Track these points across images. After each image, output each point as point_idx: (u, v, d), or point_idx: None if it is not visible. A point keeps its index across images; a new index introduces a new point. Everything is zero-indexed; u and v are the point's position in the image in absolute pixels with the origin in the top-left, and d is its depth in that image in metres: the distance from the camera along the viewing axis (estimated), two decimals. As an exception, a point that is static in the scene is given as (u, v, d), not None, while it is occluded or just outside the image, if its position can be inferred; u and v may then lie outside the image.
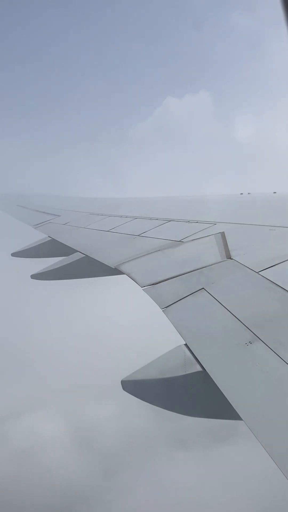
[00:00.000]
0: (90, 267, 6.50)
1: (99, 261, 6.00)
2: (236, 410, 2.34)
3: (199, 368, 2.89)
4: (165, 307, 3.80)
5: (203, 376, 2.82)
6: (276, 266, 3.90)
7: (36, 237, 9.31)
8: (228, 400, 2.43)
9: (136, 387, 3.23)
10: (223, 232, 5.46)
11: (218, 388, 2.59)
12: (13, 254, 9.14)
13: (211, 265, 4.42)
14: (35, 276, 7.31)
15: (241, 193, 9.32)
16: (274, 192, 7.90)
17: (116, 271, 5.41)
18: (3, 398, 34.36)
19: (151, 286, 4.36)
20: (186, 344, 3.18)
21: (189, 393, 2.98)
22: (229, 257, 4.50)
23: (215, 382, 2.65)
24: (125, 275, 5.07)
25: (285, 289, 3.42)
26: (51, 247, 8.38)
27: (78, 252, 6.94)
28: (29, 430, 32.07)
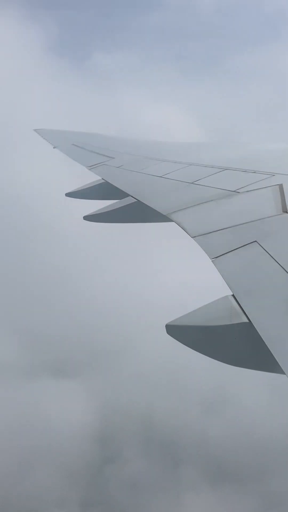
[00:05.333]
0: (141, 212, 6.51)
1: (150, 207, 5.99)
2: (279, 363, 2.36)
3: (245, 320, 2.91)
4: (215, 258, 3.78)
5: (248, 327, 2.84)
6: None
7: (89, 178, 9.37)
8: (272, 353, 2.45)
9: (180, 332, 3.31)
10: (281, 184, 5.23)
11: (263, 340, 2.60)
12: (67, 194, 9.31)
13: (266, 218, 4.29)
14: (87, 218, 7.45)
15: None
16: None
17: (166, 218, 5.39)
18: None
19: (202, 236, 4.33)
20: (233, 295, 3.18)
21: (232, 342, 3.02)
22: (285, 211, 4.34)
23: (260, 334, 2.67)
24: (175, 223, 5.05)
25: None
26: (104, 190, 8.43)
27: (130, 197, 6.94)
28: None
